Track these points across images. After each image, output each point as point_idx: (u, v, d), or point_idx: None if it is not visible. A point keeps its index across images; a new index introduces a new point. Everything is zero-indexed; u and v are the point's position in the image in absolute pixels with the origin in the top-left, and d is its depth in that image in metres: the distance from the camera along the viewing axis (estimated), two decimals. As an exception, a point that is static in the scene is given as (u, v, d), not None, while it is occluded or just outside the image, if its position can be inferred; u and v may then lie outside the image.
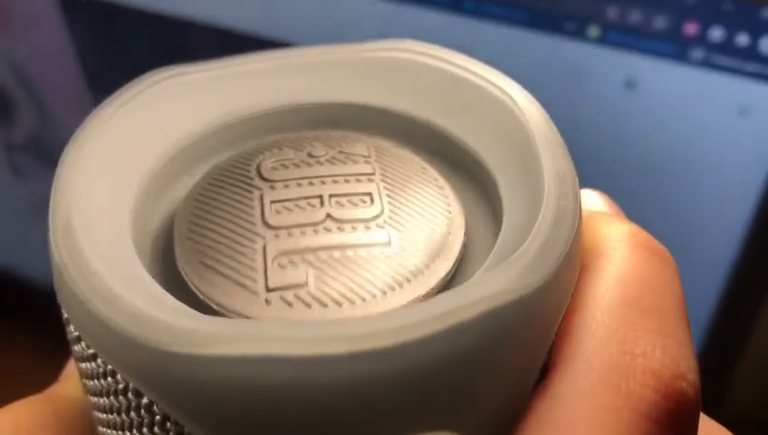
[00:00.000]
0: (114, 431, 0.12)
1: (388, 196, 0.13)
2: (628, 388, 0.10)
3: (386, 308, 0.12)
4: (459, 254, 0.13)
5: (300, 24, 0.40)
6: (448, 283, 0.12)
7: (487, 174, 0.14)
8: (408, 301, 0.12)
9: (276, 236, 0.12)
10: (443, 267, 0.12)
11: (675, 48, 0.34)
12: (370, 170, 0.14)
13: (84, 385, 0.13)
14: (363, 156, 0.14)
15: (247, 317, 0.11)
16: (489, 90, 0.14)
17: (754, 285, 0.38)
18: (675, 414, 0.11)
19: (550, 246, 0.11)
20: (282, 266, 0.12)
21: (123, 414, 0.11)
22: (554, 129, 0.13)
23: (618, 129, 0.36)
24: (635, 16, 0.34)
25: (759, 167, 0.35)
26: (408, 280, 0.12)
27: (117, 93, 0.14)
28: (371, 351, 0.09)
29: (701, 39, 0.33)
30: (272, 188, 0.13)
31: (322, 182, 0.13)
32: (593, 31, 0.35)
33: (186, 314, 0.10)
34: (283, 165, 0.14)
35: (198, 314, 0.10)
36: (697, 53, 0.34)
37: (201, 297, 0.12)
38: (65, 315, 0.12)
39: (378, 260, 0.12)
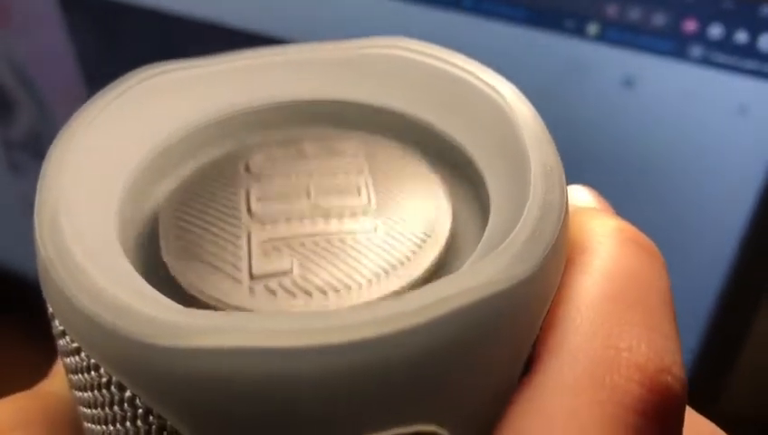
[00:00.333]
0: (98, 426, 0.12)
1: (375, 189, 0.13)
2: (612, 381, 0.10)
3: (371, 297, 0.12)
4: (446, 243, 0.13)
5: (299, 23, 0.40)
6: (434, 273, 0.12)
7: (475, 168, 0.14)
8: (394, 290, 0.12)
9: (262, 225, 0.13)
10: (429, 256, 0.12)
11: (674, 45, 0.34)
12: (358, 165, 0.14)
13: (69, 380, 0.13)
14: (352, 151, 0.14)
15: (231, 306, 0.11)
16: (478, 85, 0.14)
17: (752, 285, 0.37)
18: (660, 408, 0.11)
19: (536, 238, 0.11)
20: (266, 254, 0.12)
21: (107, 408, 0.11)
22: (542, 123, 0.13)
23: (616, 126, 0.36)
24: (634, 14, 0.34)
25: (758, 164, 0.34)
26: (394, 268, 0.12)
27: (105, 89, 0.14)
28: (354, 342, 0.09)
29: (700, 36, 0.33)
30: (258, 181, 0.13)
31: (310, 175, 0.14)
32: (592, 28, 0.35)
33: (168, 307, 0.10)
34: (270, 160, 0.14)
35: (180, 307, 0.10)
36: (696, 51, 0.34)
37: (185, 287, 0.12)
38: (50, 310, 0.12)
39: (363, 248, 0.12)
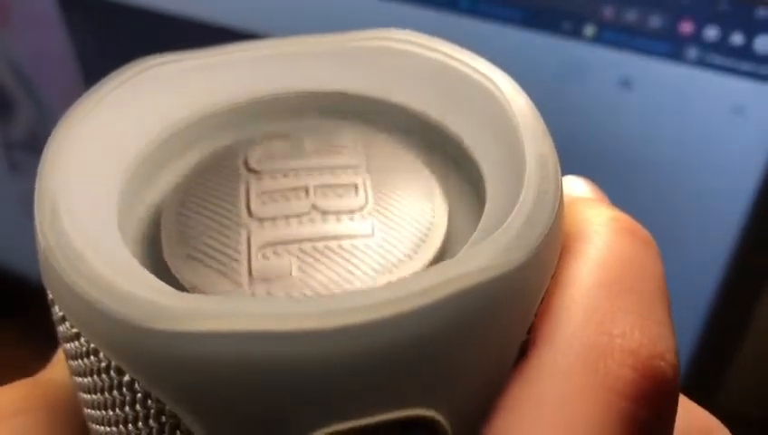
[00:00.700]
0: (97, 411, 0.12)
1: (372, 187, 0.13)
2: (605, 367, 0.11)
3: None
4: (443, 243, 0.13)
5: (299, 25, 0.40)
6: None
7: (471, 159, 0.14)
8: None
9: (261, 226, 0.13)
10: (426, 257, 0.12)
11: (670, 47, 0.34)
12: (356, 162, 0.14)
13: (69, 366, 0.13)
14: (349, 147, 0.14)
15: None
16: (473, 76, 0.14)
17: (750, 283, 0.38)
18: (653, 393, 0.11)
19: (531, 225, 0.11)
20: (265, 257, 0.12)
21: (106, 393, 0.11)
22: (537, 113, 0.13)
23: (613, 127, 0.36)
24: (630, 16, 0.34)
25: (754, 165, 0.35)
26: (391, 271, 0.12)
27: (103, 81, 0.14)
28: (351, 326, 0.10)
29: (696, 38, 0.33)
30: (258, 178, 0.14)
31: (308, 174, 0.14)
32: (589, 30, 0.35)
33: (165, 292, 0.10)
34: (269, 156, 0.14)
35: (178, 292, 0.10)
36: (692, 53, 0.34)
37: (185, 286, 0.12)
38: (50, 296, 0.12)
39: (361, 251, 0.12)
